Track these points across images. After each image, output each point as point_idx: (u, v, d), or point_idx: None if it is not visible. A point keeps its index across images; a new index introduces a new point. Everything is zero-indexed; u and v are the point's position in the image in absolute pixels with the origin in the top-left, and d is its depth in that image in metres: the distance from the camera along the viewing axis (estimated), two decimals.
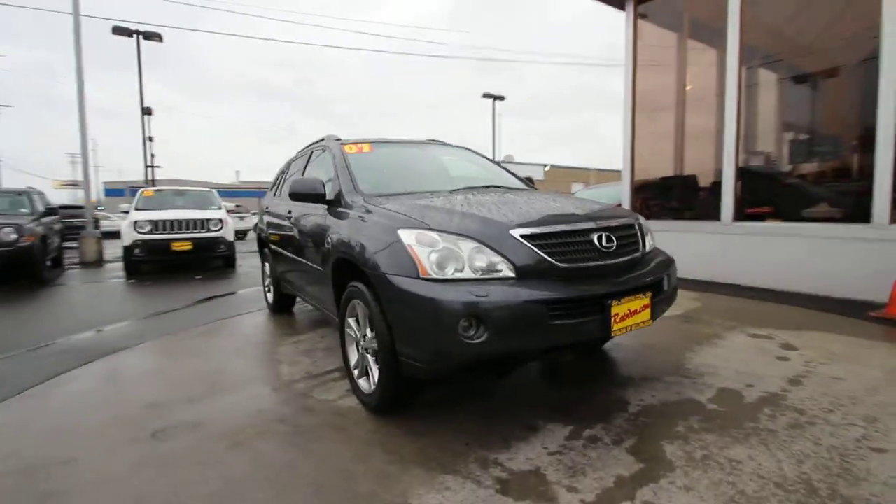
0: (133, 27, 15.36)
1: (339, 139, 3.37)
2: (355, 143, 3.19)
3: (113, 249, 11.04)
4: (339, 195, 2.70)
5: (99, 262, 9.34)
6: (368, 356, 2.25)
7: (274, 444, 2.01)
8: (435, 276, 1.80)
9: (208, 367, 3.02)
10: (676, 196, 6.15)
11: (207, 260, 7.99)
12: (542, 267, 1.86)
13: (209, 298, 5.47)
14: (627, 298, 1.93)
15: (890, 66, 3.79)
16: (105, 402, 2.56)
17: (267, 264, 4.54)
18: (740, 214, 5.03)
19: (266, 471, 1.80)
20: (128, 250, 7.24)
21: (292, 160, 4.25)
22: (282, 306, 4.44)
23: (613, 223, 2.12)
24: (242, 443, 2.03)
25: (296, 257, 3.30)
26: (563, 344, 1.88)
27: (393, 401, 2.12)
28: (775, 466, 1.70)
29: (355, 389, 2.40)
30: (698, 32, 6.46)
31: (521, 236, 1.88)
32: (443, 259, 1.83)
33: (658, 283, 2.15)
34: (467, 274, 1.82)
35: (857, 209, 4.11)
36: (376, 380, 2.15)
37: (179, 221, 7.41)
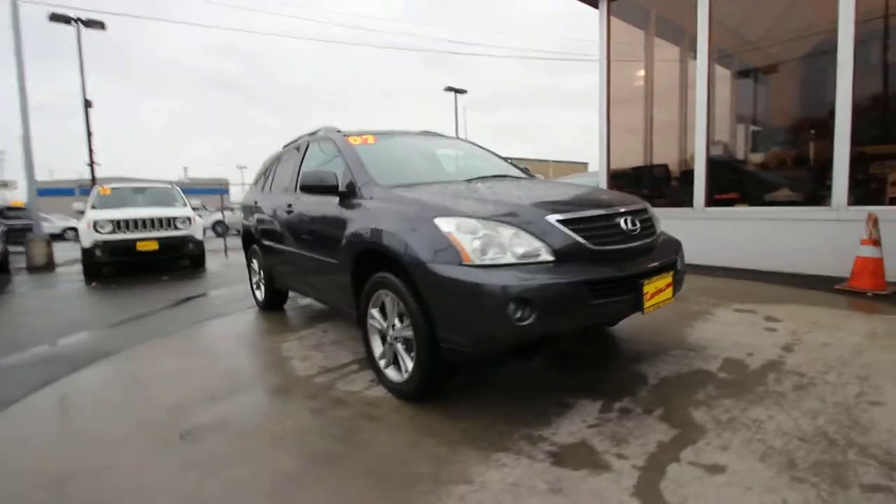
0: (72, 14, 14.21)
1: (339, 131, 3.32)
2: (358, 134, 3.16)
3: (61, 253, 10.29)
4: (352, 187, 2.67)
5: (49, 265, 8.67)
6: (399, 345, 2.26)
7: (315, 436, 1.99)
8: (479, 262, 1.84)
9: (219, 367, 2.92)
10: (649, 184, 6.46)
11: (173, 260, 7.60)
12: (577, 250, 1.94)
13: (188, 299, 5.23)
14: (655, 277, 2.05)
15: (845, 62, 4.16)
16: (122, 406, 2.43)
17: (255, 261, 4.41)
18: (710, 201, 5.37)
19: (318, 463, 1.79)
20: (87, 252, 6.78)
21: (281, 154, 4.13)
22: (274, 302, 4.32)
23: (634, 208, 2.24)
24: (282, 437, 2.00)
25: (299, 251, 3.23)
26: (601, 322, 1.98)
27: (429, 386, 2.14)
28: (793, 423, 1.87)
29: (382, 379, 2.40)
30: (664, 30, 6.78)
31: (558, 221, 1.96)
32: (485, 245, 1.87)
33: (674, 262, 2.29)
34: (508, 259, 1.87)
35: (818, 194, 4.49)
36: (409, 367, 2.17)
37: (144, 220, 7.00)
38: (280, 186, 3.81)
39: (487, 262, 1.84)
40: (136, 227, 6.92)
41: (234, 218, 17.45)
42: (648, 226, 2.27)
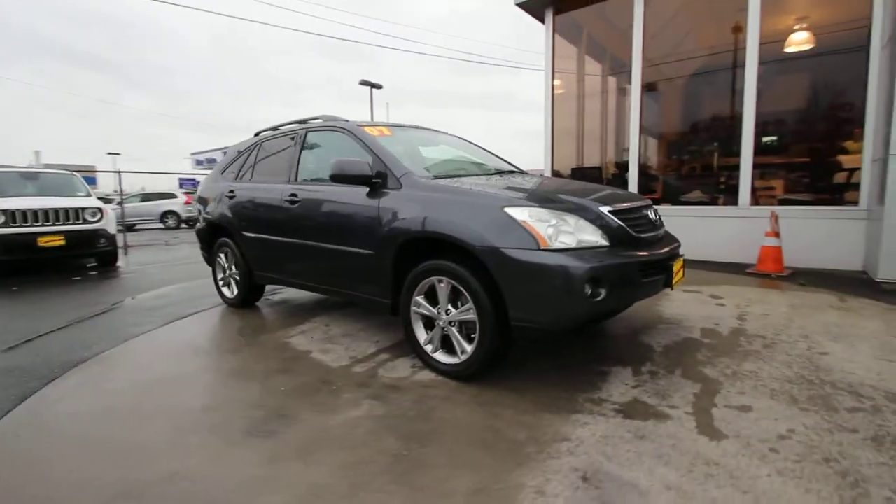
0: None
1: (347, 121, 3.29)
2: (373, 125, 3.17)
3: None
4: (384, 177, 2.71)
5: None
6: (453, 329, 2.39)
7: (395, 419, 2.05)
8: (554, 247, 2.06)
9: (231, 366, 2.75)
10: None
11: (80, 258, 6.58)
12: (624, 237, 2.26)
13: (113, 304, 4.65)
14: (676, 260, 2.46)
15: (750, 89, 5.12)
16: (157, 410, 2.20)
17: (225, 255, 4.11)
18: None
19: (418, 440, 1.87)
20: None
21: (259, 142, 3.91)
22: (249, 299, 4.08)
23: (650, 203, 2.63)
24: (358, 424, 2.02)
25: (307, 242, 3.13)
26: (645, 297, 2.32)
27: (488, 366, 2.31)
28: (778, 371, 2.40)
29: (431, 363, 2.50)
30: (592, 48, 7.58)
31: (609, 212, 2.26)
32: (557, 232, 2.09)
33: (679, 248, 2.74)
34: (575, 244, 2.11)
35: (728, 195, 5.46)
36: (467, 349, 2.32)
37: (46, 211, 5.96)
38: (270, 175, 3.62)
39: (561, 246, 2.08)
40: (36, 219, 5.87)
41: (134, 210, 15.38)
42: (659, 217, 2.69)
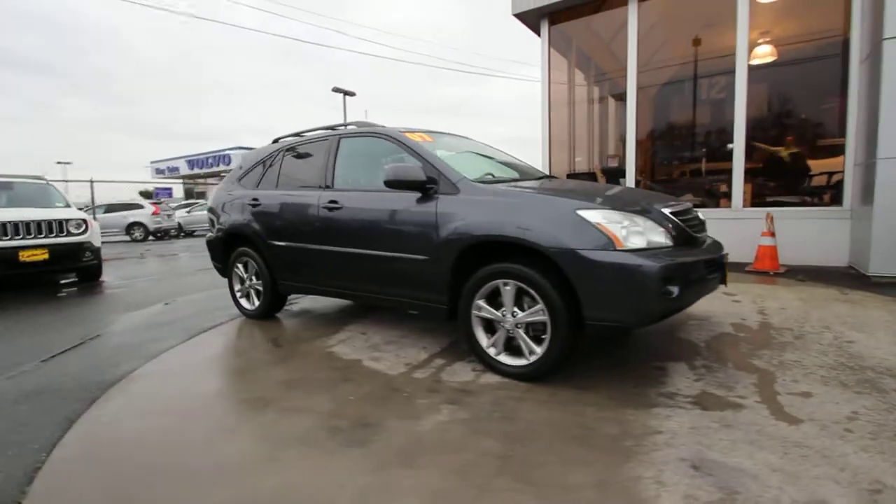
0: None
1: (384, 127, 3.30)
2: (413, 132, 3.19)
3: None
4: (435, 182, 2.73)
5: None
6: (519, 331, 2.43)
7: (482, 422, 2.07)
8: (628, 247, 2.16)
9: (285, 378, 2.68)
10: None
11: (63, 273, 6.17)
12: (684, 236, 2.39)
13: (116, 317, 4.43)
14: (725, 258, 2.61)
15: (740, 103, 5.46)
16: (227, 426, 2.13)
17: (244, 265, 3.99)
18: None
19: (516, 440, 1.90)
20: None
21: (286, 148, 3.84)
22: (272, 309, 3.98)
23: (692, 204, 2.78)
24: (448, 429, 2.03)
25: (349, 249, 3.11)
26: (707, 294, 2.45)
27: (558, 365, 2.37)
28: (818, 359, 2.58)
29: (495, 367, 2.54)
30: (580, 60, 7.87)
31: (671, 213, 2.38)
32: (629, 233, 2.19)
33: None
34: (646, 245, 2.22)
35: (725, 197, 5.78)
36: (537, 350, 2.37)
37: (27, 223, 5.58)
38: (300, 183, 3.57)
39: (634, 247, 2.17)
40: (17, 232, 5.49)
41: (100, 222, 14.45)
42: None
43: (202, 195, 36.17)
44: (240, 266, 4.06)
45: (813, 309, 3.58)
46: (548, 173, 3.79)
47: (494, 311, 2.52)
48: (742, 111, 5.44)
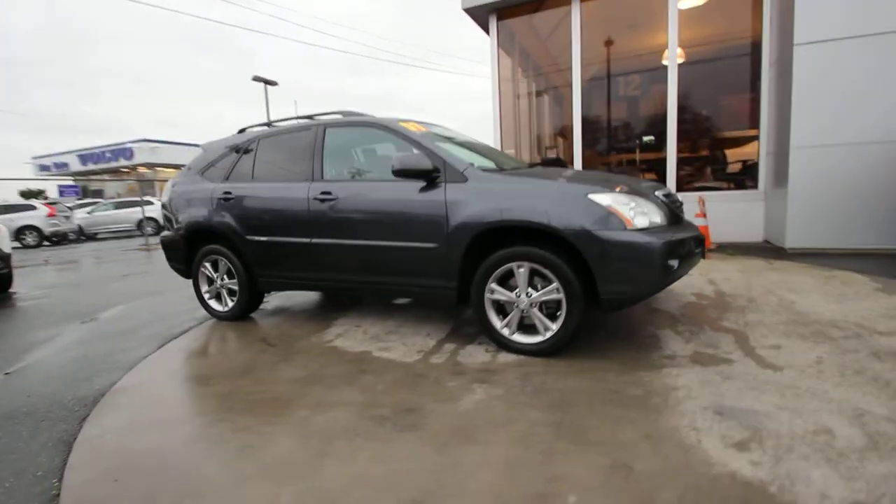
0: None
1: (371, 116, 3.25)
2: (407, 121, 3.18)
3: None
4: (439, 172, 2.77)
5: None
6: (534, 310, 2.57)
7: (516, 395, 2.18)
8: (637, 227, 2.37)
9: (298, 375, 2.59)
10: None
11: None
12: (672, 216, 2.66)
13: (60, 328, 3.94)
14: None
15: (672, 96, 6.06)
16: (257, 427, 2.02)
17: (209, 265, 3.73)
18: None
19: (556, 408, 2.04)
20: None
21: (261, 138, 3.62)
22: (250, 309, 3.77)
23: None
24: (491, 405, 2.12)
25: (348, 241, 3.04)
26: (694, 266, 2.74)
27: (572, 338, 2.54)
28: (774, 318, 3.01)
29: (510, 346, 2.65)
30: (522, 56, 8.19)
31: (662, 195, 2.64)
32: (636, 214, 2.40)
33: None
34: (648, 224, 2.44)
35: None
36: (552, 327, 2.53)
37: None
38: (280, 174, 3.41)
39: (640, 226, 2.39)
40: None
41: None
42: None
43: (99, 193, 32.24)
44: (207, 265, 3.77)
45: (752, 277, 4.14)
46: (527, 162, 3.96)
47: (508, 293, 2.63)
48: (674, 106, 6.04)
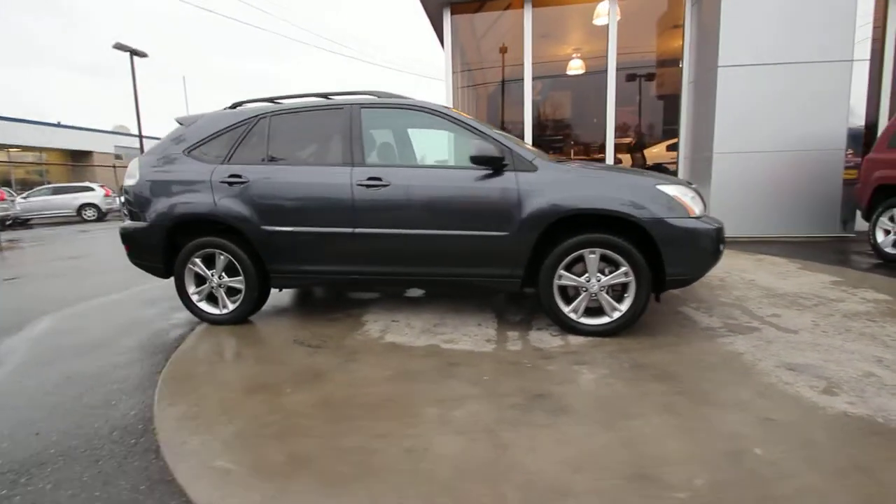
0: None
1: (412, 98, 3.10)
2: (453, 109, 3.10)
3: None
4: (509, 159, 2.79)
5: None
6: (603, 293, 2.76)
7: (623, 373, 2.34)
8: (697, 215, 2.69)
9: (384, 375, 2.40)
10: None
11: None
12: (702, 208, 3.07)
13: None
14: None
15: (611, 97, 6.77)
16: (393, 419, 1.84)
17: (199, 261, 3.19)
18: None
19: (663, 381, 2.24)
20: None
21: (271, 115, 3.17)
22: (255, 309, 3.31)
23: None
24: (608, 382, 2.24)
25: (402, 230, 2.87)
26: None
27: (639, 317, 2.78)
28: (752, 294, 3.65)
29: (577, 328, 2.80)
30: (465, 55, 8.37)
31: (694, 189, 3.02)
32: (694, 204, 2.72)
33: None
34: (699, 213, 2.78)
35: None
36: (622, 308, 2.74)
37: None
38: (304, 157, 3.08)
39: (698, 214, 2.72)
40: None
41: None
42: None
43: None
44: (197, 261, 3.21)
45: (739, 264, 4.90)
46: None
47: (576, 278, 2.77)
48: (612, 111, 6.78)
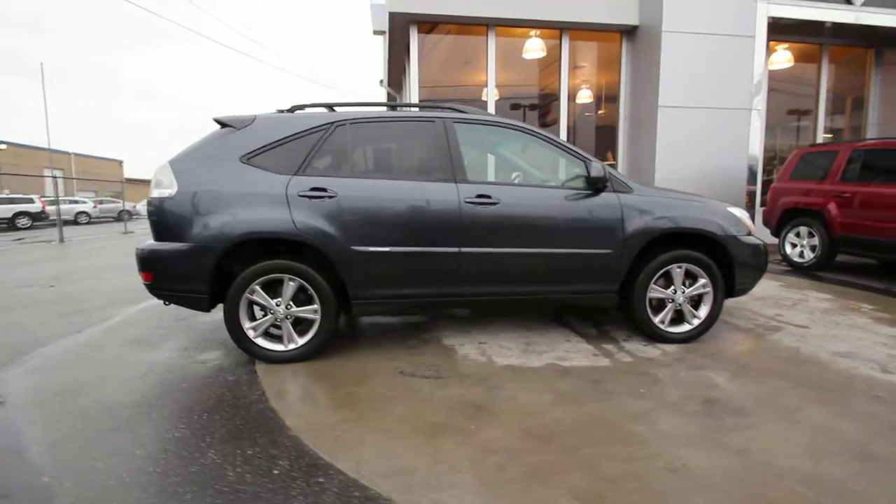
0: None
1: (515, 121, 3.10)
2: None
3: None
4: (604, 179, 2.94)
5: None
6: (686, 304, 3.07)
7: (743, 374, 2.64)
8: (753, 233, 3.17)
9: (555, 394, 2.33)
10: None
11: None
12: None
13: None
14: None
15: (563, 110, 7.42)
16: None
17: (260, 289, 2.71)
18: None
19: (779, 378, 2.60)
20: None
21: (346, 122, 2.85)
22: (326, 342, 2.89)
23: None
24: (743, 388, 2.51)
25: (515, 250, 2.86)
26: None
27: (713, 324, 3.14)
28: (738, 302, 4.36)
29: (664, 336, 3.06)
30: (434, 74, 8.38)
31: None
32: (751, 224, 3.20)
33: None
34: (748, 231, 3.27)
35: None
36: (701, 315, 3.08)
37: None
38: (395, 172, 2.88)
39: (752, 232, 3.20)
40: None
41: None
42: None
43: None
44: (258, 290, 2.71)
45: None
46: None
47: (664, 290, 3.05)
48: (564, 130, 7.46)
